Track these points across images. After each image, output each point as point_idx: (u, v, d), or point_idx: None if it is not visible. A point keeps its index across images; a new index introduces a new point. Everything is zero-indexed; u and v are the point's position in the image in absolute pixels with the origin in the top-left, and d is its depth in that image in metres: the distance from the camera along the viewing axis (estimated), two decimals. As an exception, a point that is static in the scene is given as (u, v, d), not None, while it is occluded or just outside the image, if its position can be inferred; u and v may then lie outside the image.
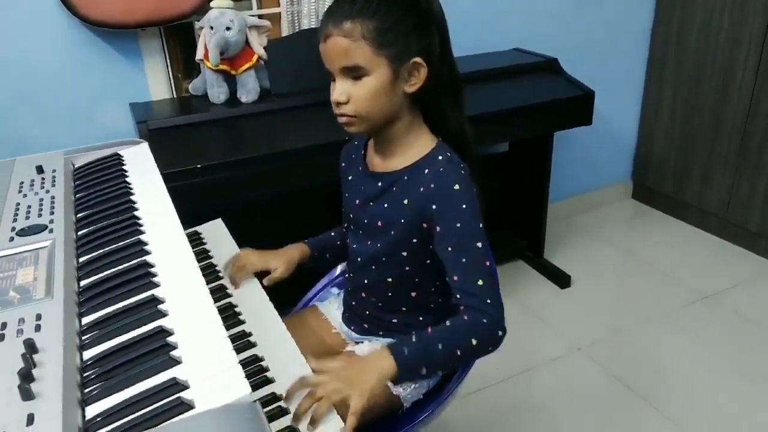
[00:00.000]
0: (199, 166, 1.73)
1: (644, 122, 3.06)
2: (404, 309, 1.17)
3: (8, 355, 0.67)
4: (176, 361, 0.68)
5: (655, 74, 2.94)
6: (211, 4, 1.89)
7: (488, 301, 1.00)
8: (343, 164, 1.25)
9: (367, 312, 1.21)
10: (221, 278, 1.23)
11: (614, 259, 2.78)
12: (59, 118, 1.97)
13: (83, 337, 0.76)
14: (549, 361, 2.14)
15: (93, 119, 2.01)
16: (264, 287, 1.21)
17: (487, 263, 1.02)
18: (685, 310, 2.37)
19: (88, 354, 0.73)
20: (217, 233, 1.43)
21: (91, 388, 0.67)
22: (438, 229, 1.04)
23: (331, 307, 1.31)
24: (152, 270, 0.87)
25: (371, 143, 1.18)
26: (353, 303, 1.23)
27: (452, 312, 1.03)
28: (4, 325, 0.75)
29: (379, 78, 1.01)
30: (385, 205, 1.11)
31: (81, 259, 0.95)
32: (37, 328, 0.74)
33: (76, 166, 1.32)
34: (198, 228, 1.46)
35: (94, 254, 0.95)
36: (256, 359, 0.97)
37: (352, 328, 1.24)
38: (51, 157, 1.32)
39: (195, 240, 1.40)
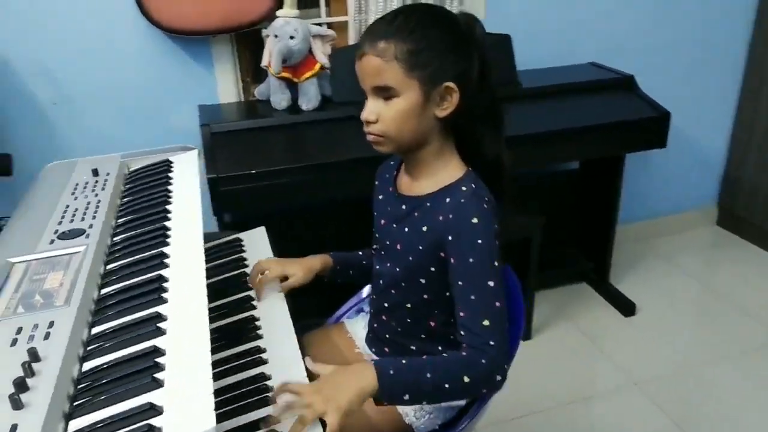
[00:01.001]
0: (253, 171, 1.78)
1: (735, 144, 2.85)
2: (423, 337, 1.15)
3: (12, 362, 0.72)
4: (158, 384, 0.70)
5: (750, 93, 2.73)
6: (278, 13, 1.94)
7: (491, 342, 0.96)
8: (377, 182, 1.24)
9: (388, 336, 1.20)
10: (250, 288, 1.25)
11: (687, 290, 2.60)
12: (136, 117, 2.09)
13: (88, 348, 0.80)
14: (602, 393, 2.04)
15: (166, 119, 2.12)
16: (289, 300, 1.23)
17: (497, 304, 0.98)
18: (760, 354, 2.18)
19: (88, 365, 0.77)
20: (257, 241, 1.46)
21: (81, 401, 0.71)
22: (452, 261, 1.01)
23: (358, 326, 1.31)
24: (165, 285, 0.91)
25: (404, 164, 1.17)
26: (375, 325, 1.23)
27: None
28: (20, 329, 0.80)
29: (409, 100, 1.00)
30: (406, 229, 1.10)
31: (108, 267, 1.00)
32: (47, 336, 0.79)
33: (129, 171, 1.39)
34: (241, 234, 1.50)
35: (119, 263, 1.00)
36: (263, 377, 0.99)
37: (374, 350, 1.23)
38: (108, 161, 1.40)
39: (235, 247, 1.44)
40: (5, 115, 1.98)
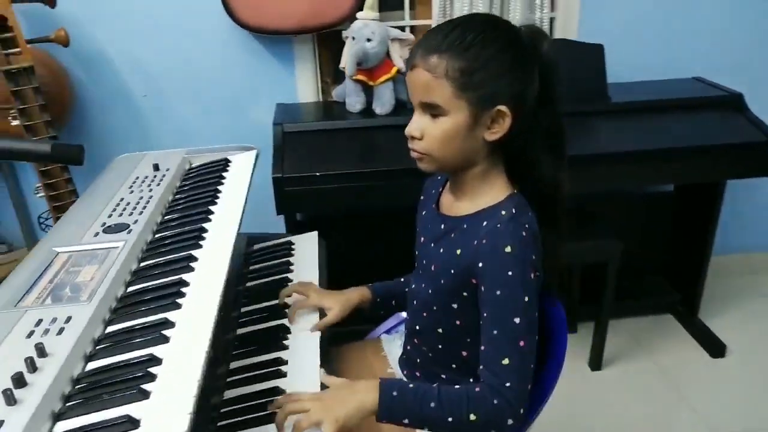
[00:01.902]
0: (317, 174, 1.78)
1: None
2: (454, 366, 1.09)
3: (18, 355, 0.74)
4: (144, 396, 0.70)
5: None
6: (357, 14, 1.92)
7: (507, 384, 0.89)
8: (422, 197, 1.20)
9: (419, 360, 1.15)
10: (289, 296, 1.24)
11: (789, 335, 2.34)
12: (217, 112, 2.16)
13: (98, 347, 0.82)
14: (674, 441, 1.87)
15: (247, 116, 2.17)
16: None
17: (522, 343, 0.91)
18: None
19: (92, 365, 0.78)
20: (307, 246, 1.46)
21: (74, 402, 0.72)
22: (482, 288, 0.95)
23: (394, 345, 1.26)
24: (184, 290, 0.91)
25: (449, 182, 1.11)
26: (408, 347, 1.18)
27: None
28: (39, 322, 0.83)
29: (457, 121, 0.94)
30: (441, 250, 1.04)
31: (142, 264, 1.02)
32: (61, 331, 0.81)
33: (188, 168, 1.43)
34: (293, 238, 1.51)
35: (150, 262, 1.01)
36: (277, 392, 0.97)
37: (405, 372, 1.19)
38: (172, 156, 1.44)
39: (285, 250, 1.44)
40: (101, 104, 2.11)
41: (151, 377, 0.73)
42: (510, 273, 0.92)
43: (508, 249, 0.93)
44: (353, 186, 1.79)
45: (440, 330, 1.07)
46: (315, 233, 1.51)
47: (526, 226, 0.96)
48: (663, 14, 2.18)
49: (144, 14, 2.00)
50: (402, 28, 2.08)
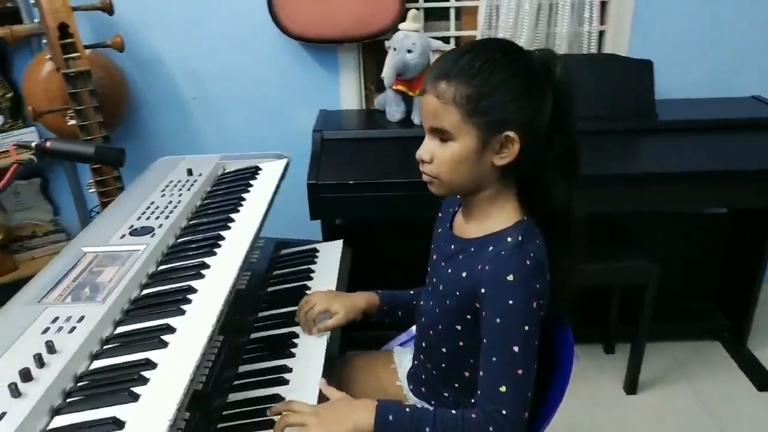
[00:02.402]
0: (351, 182, 1.81)
1: None
2: (457, 386, 1.10)
3: (29, 351, 0.80)
4: (133, 398, 0.74)
5: None
6: (399, 26, 1.94)
7: (504, 412, 0.90)
8: (440, 214, 1.20)
9: (424, 377, 1.16)
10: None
11: None
12: (262, 117, 2.24)
13: (104, 347, 0.87)
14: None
15: (290, 122, 2.23)
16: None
17: (520, 371, 0.91)
18: None
19: (96, 364, 0.84)
20: (331, 254, 1.49)
21: (74, 399, 0.77)
22: (483, 314, 0.95)
23: (405, 358, 1.27)
24: (190, 296, 0.95)
25: (461, 204, 1.12)
26: (415, 363, 1.19)
27: None
28: (56, 319, 0.89)
29: (464, 146, 0.95)
30: (449, 270, 1.05)
31: (160, 268, 1.08)
32: (72, 329, 0.87)
33: (221, 173, 1.48)
34: (318, 245, 1.55)
35: (167, 266, 1.07)
36: (276, 399, 1.01)
37: (411, 387, 1.20)
38: (206, 161, 1.51)
39: (309, 257, 1.48)
40: (154, 106, 2.22)
41: (144, 381, 0.77)
42: (511, 302, 0.92)
43: (510, 278, 0.93)
44: (385, 195, 1.81)
45: (444, 349, 1.08)
46: (340, 242, 1.54)
47: (531, 255, 0.95)
48: (719, 29, 2.09)
49: (196, 21, 2.09)
50: (447, 39, 2.08)
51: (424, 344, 1.13)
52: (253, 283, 1.39)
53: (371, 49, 2.17)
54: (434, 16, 2.18)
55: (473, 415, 0.92)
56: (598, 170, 1.87)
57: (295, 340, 1.17)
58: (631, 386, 2.10)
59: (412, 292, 1.27)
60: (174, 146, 2.09)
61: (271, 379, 1.07)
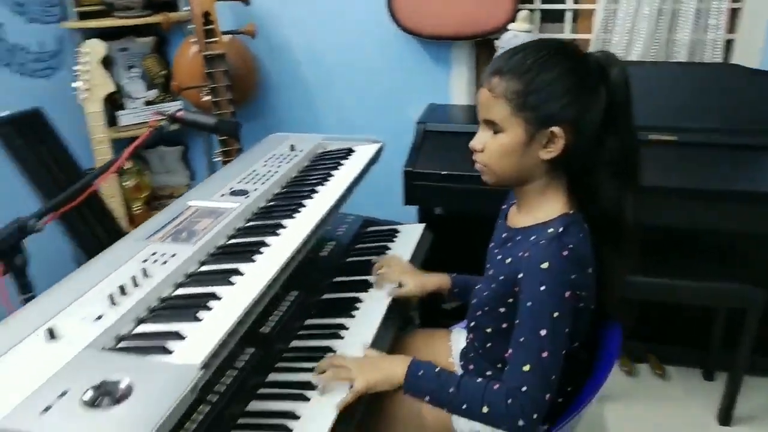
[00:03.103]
0: (443, 172, 1.90)
1: None
2: (499, 366, 1.14)
3: (129, 273, 0.99)
4: (197, 320, 0.89)
5: None
6: (509, 26, 1.99)
7: (524, 389, 0.95)
8: (503, 206, 1.26)
9: (472, 355, 1.22)
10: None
11: None
12: (376, 107, 2.38)
13: (188, 279, 1.04)
14: None
15: (401, 112, 2.35)
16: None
17: (544, 354, 0.95)
18: None
19: (178, 292, 1.01)
20: (409, 236, 1.59)
21: (154, 314, 0.94)
22: (520, 297, 1.01)
23: (460, 337, 1.34)
24: (263, 249, 1.10)
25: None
26: (467, 341, 1.26)
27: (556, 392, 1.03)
28: (154, 253, 1.08)
29: (512, 138, 1.01)
30: (499, 257, 1.12)
31: (246, 224, 1.24)
32: (165, 262, 1.05)
33: (320, 152, 1.63)
34: (400, 227, 1.65)
35: (252, 223, 1.23)
36: (328, 350, 1.13)
37: (462, 363, 1.27)
38: (309, 140, 1.67)
39: (389, 235, 1.60)
40: (280, 89, 2.44)
41: (208, 308, 0.92)
42: (543, 288, 0.97)
43: (544, 265, 0.97)
44: (475, 189, 1.86)
45: (489, 330, 1.14)
46: (422, 225, 1.64)
47: (570, 246, 0.99)
48: None
49: (322, 14, 2.28)
50: (559, 41, 2.09)
51: (473, 324, 1.20)
52: (335, 252, 1.53)
53: (485, 45, 2.23)
54: (550, 18, 2.19)
55: (496, 386, 0.99)
56: (704, 184, 1.80)
57: (358, 305, 1.29)
58: (725, 417, 1.99)
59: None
60: (294, 128, 2.29)
61: (329, 333, 1.20)
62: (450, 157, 1.97)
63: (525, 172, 1.05)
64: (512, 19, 2.03)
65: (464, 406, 1.00)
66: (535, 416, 0.96)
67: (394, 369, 1.06)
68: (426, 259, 1.55)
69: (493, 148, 1.04)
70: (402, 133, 2.06)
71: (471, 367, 1.23)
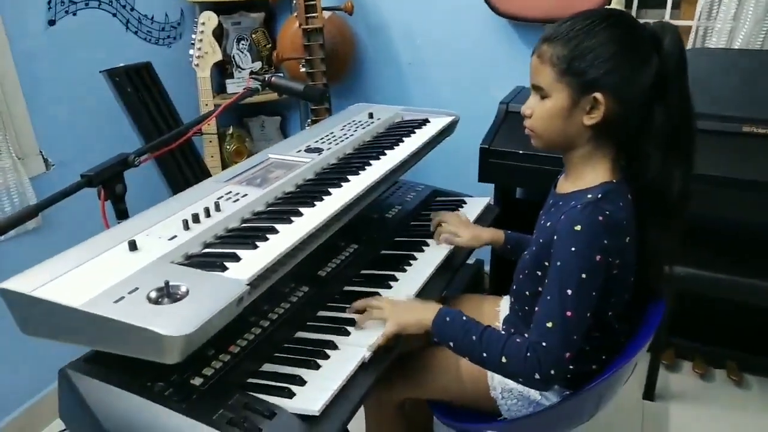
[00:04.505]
0: (520, 152, 1.92)
1: None
2: (535, 330, 1.19)
3: (204, 206, 1.12)
4: (254, 247, 1.01)
5: None
6: (607, 7, 1.96)
7: (544, 343, 0.99)
8: (558, 177, 1.29)
9: (513, 319, 1.27)
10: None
11: None
12: (464, 87, 2.42)
13: (253, 216, 1.16)
14: None
15: (487, 93, 2.38)
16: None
17: (569, 313, 0.98)
18: None
19: (244, 225, 1.13)
20: (474, 207, 1.65)
21: (219, 241, 1.07)
22: (551, 258, 1.04)
23: (508, 303, 1.39)
24: (324, 197, 1.20)
25: None
26: (509, 306, 1.30)
27: (588, 359, 1.10)
28: (229, 192, 1.21)
29: (556, 103, 1.05)
30: (542, 222, 1.16)
31: (314, 177, 1.34)
32: (236, 200, 1.18)
33: (397, 121, 1.72)
34: (467, 198, 1.71)
35: (319, 177, 1.33)
36: (374, 294, 1.22)
37: (504, 328, 1.31)
38: (388, 110, 1.76)
39: (454, 205, 1.66)
40: (374, 65, 2.55)
41: (265, 239, 1.04)
42: (573, 249, 1.00)
43: (578, 227, 1.00)
44: (549, 169, 1.87)
45: (527, 293, 1.19)
46: (487, 198, 1.69)
47: (607, 213, 1.01)
48: None
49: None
50: (657, 27, 2.03)
51: (515, 287, 1.24)
52: (399, 215, 1.62)
53: (578, 31, 2.21)
54: (651, 2, 2.13)
55: (518, 339, 1.03)
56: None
57: (411, 261, 1.37)
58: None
59: None
60: (385, 102, 2.38)
61: (380, 282, 1.28)
62: (527, 137, 1.98)
63: (570, 137, 1.07)
64: (608, 3, 2.00)
65: (484, 355, 1.05)
66: (552, 372, 0.99)
67: (425, 313, 1.12)
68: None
69: (539, 113, 1.08)
70: (488, 114, 2.10)
71: (512, 331, 1.27)
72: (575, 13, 1.06)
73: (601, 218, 1.00)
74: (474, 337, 1.06)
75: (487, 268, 2.42)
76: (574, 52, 1.01)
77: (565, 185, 1.14)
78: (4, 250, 1.78)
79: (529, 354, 1.00)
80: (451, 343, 1.09)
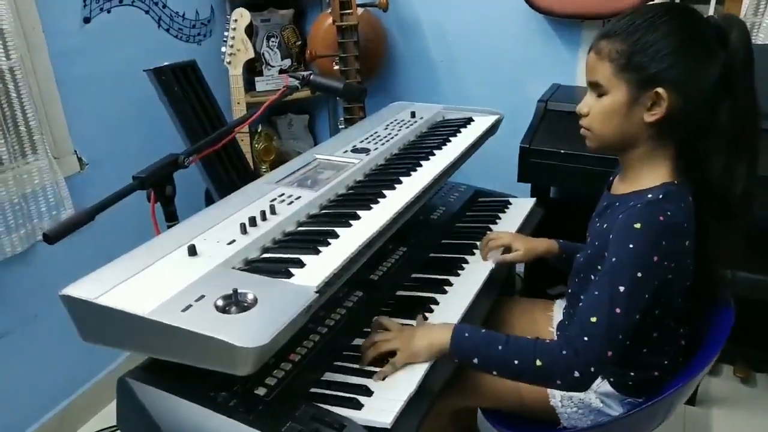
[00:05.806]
0: (561, 151, 1.88)
1: None
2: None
3: (259, 209, 1.09)
4: (316, 252, 0.98)
5: None
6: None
7: (585, 338, 0.95)
8: (610, 178, 1.25)
9: (567, 323, 1.23)
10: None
11: None
12: (499, 85, 2.39)
13: (309, 219, 1.14)
14: None
15: (524, 90, 2.34)
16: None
17: (618, 310, 0.94)
18: None
19: (301, 228, 1.10)
20: (520, 208, 1.61)
21: (278, 245, 1.04)
22: (606, 256, 1.00)
23: (562, 308, 1.35)
24: (380, 200, 1.17)
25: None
26: (563, 310, 1.27)
27: (649, 364, 1.07)
28: (282, 194, 1.18)
29: (615, 99, 1.01)
30: (597, 224, 1.12)
31: (364, 179, 1.31)
32: (291, 203, 1.15)
33: (440, 120, 1.68)
34: (512, 199, 1.68)
35: (367, 179, 1.30)
36: (431, 301, 1.19)
37: (557, 334, 1.28)
38: (430, 109, 1.72)
39: (500, 206, 1.63)
40: (406, 62, 2.51)
41: (327, 244, 1.01)
42: (631, 246, 0.96)
43: (637, 225, 0.96)
44: (590, 170, 1.84)
45: (582, 297, 1.14)
46: (533, 199, 1.66)
47: (668, 213, 0.97)
48: None
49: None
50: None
51: (570, 291, 1.21)
52: (444, 216, 1.59)
53: (617, 28, 2.17)
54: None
55: (547, 341, 0.98)
56: None
57: (464, 265, 1.34)
58: None
59: None
60: (417, 101, 2.34)
61: (434, 287, 1.25)
62: (568, 136, 1.95)
63: (628, 136, 1.03)
64: (648, -1, 1.96)
65: (516, 362, 0.97)
66: (592, 369, 0.94)
67: (436, 337, 1.03)
68: (534, 236, 1.56)
69: (596, 111, 1.04)
70: (521, 112, 2.06)
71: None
72: (634, 8, 1.02)
73: (662, 218, 0.97)
74: (500, 347, 0.99)
75: (518, 268, 2.38)
76: (635, 47, 0.97)
77: (621, 186, 1.10)
78: (38, 250, 1.76)
79: (565, 352, 0.95)
80: (476, 360, 1.01)
